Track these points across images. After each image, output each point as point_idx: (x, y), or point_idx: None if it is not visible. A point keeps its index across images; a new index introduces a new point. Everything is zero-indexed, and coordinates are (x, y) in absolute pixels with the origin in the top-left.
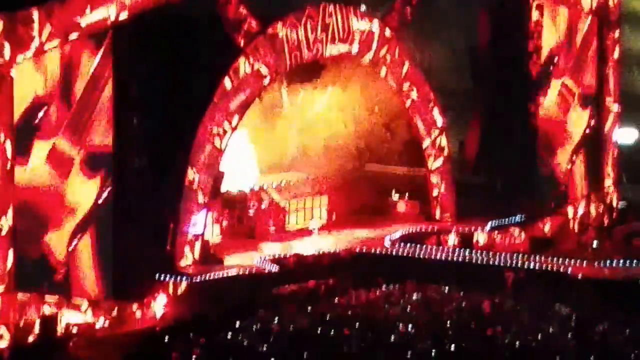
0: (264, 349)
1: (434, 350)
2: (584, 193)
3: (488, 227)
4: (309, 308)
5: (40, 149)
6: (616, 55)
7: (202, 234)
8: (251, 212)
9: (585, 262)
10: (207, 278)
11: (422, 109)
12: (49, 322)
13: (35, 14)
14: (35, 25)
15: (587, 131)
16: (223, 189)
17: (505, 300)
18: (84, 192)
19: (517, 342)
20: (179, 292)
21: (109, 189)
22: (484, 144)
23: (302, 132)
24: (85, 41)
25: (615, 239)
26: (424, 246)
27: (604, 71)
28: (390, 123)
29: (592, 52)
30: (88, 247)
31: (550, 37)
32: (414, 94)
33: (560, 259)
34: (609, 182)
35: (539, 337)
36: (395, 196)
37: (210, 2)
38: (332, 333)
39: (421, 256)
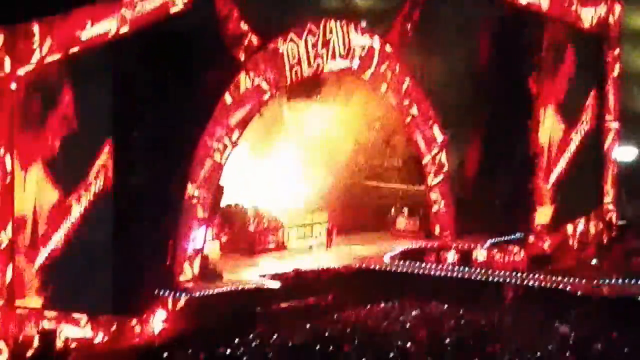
0: None
1: None
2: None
3: (487, 244)
4: (309, 324)
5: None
6: (616, 73)
7: (202, 249)
8: (251, 227)
9: (584, 279)
10: (206, 293)
11: (422, 125)
12: (48, 337)
13: (36, 28)
14: (36, 39)
15: None
16: (223, 204)
17: (504, 317)
18: None
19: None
20: (178, 307)
21: None
22: (484, 161)
23: (302, 148)
24: None
25: (615, 257)
26: (424, 263)
27: (604, 89)
28: (390, 139)
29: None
30: None
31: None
32: (414, 111)
33: (560, 277)
34: (608, 200)
35: (538, 354)
36: (395, 213)
37: (210, 17)
38: (331, 349)
39: (420, 273)
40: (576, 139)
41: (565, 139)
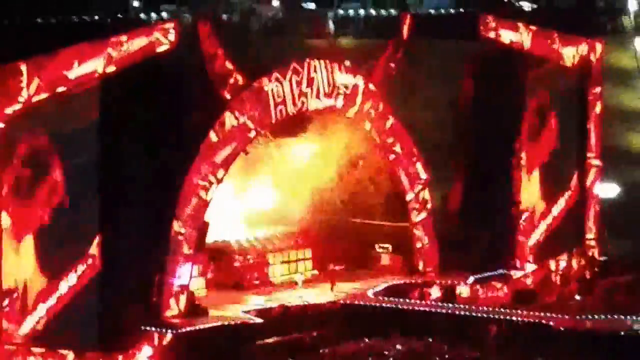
0: None
1: None
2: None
3: (471, 280)
4: (294, 359)
5: None
6: (598, 110)
7: (188, 286)
8: (236, 264)
9: (567, 315)
10: (192, 329)
11: (405, 162)
12: None
13: (24, 67)
14: (24, 79)
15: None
16: (208, 241)
17: (488, 351)
18: None
19: None
20: (165, 343)
21: None
22: (467, 198)
23: (287, 185)
24: None
25: (597, 292)
26: (408, 298)
27: (586, 126)
28: (374, 177)
29: None
30: None
31: None
32: (397, 148)
33: (543, 312)
34: (590, 236)
35: None
36: (379, 249)
37: (197, 57)
38: None
39: (405, 308)
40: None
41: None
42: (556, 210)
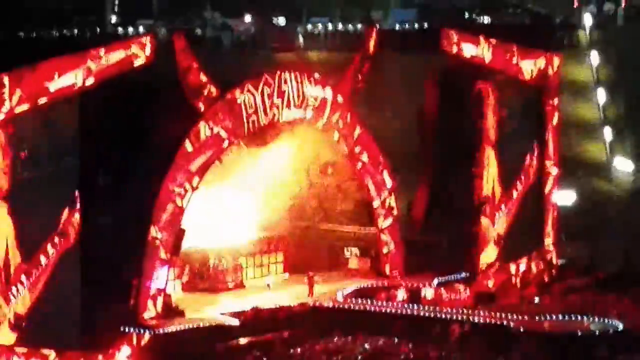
0: None
1: None
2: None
3: (435, 283)
4: (266, 358)
5: None
6: (555, 121)
7: (165, 289)
8: (211, 268)
9: (526, 316)
10: (169, 330)
11: (372, 171)
12: None
13: (6, 79)
14: (6, 90)
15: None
16: (184, 246)
17: (451, 351)
18: None
19: None
20: (142, 343)
21: None
22: (430, 204)
23: (260, 193)
24: None
25: (555, 294)
26: (375, 300)
27: (544, 136)
28: (343, 184)
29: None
30: None
31: None
32: (364, 157)
33: (503, 313)
34: (549, 241)
35: None
36: (347, 253)
37: (172, 69)
38: None
39: (372, 310)
40: (519, 186)
41: (509, 185)
42: (510, 214)
